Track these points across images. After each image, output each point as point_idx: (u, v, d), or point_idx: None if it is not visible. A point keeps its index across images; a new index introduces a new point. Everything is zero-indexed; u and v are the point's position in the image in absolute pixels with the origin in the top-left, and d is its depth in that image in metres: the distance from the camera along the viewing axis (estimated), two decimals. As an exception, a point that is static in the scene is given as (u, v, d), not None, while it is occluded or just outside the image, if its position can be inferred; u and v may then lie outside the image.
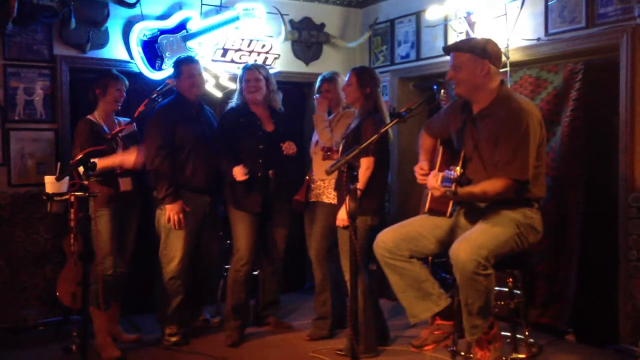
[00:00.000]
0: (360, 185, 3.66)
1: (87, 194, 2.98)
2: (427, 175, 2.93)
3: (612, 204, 3.84)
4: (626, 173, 3.73)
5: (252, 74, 4.19)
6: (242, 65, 4.89)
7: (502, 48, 4.09)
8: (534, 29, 4.16)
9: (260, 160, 4.09)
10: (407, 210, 5.03)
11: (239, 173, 3.98)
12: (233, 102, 4.28)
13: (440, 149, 3.07)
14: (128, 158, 3.91)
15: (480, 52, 2.91)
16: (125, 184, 3.95)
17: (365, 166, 3.68)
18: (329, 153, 3.96)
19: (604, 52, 3.91)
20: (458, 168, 2.61)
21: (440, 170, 2.94)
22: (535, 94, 4.25)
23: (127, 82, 4.09)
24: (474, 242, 2.76)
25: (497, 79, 2.96)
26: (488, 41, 2.98)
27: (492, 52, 2.94)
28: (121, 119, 4.09)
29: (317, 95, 4.22)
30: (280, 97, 4.35)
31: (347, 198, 2.78)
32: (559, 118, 4.14)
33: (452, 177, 2.59)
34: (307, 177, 4.24)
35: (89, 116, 3.98)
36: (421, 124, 3.65)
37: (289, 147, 4.14)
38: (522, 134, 2.80)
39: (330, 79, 4.23)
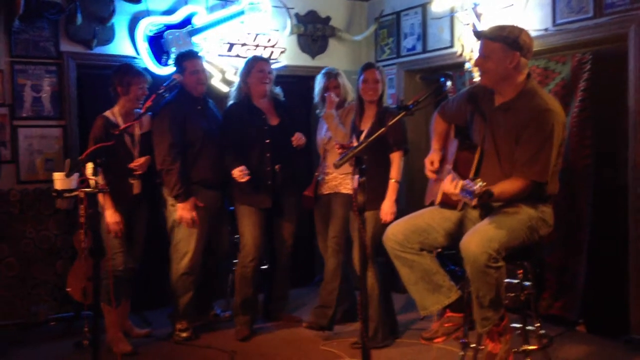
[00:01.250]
0: (397, 177, 3.79)
1: (97, 190, 2.98)
2: (436, 170, 2.91)
3: (621, 194, 3.82)
4: (636, 163, 3.72)
5: (266, 64, 4.18)
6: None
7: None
8: (541, 20, 4.14)
9: (268, 154, 4.09)
10: (414, 202, 5.02)
11: (239, 176, 3.96)
12: (233, 95, 4.23)
13: (457, 143, 3.01)
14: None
15: (512, 43, 2.80)
16: (137, 187, 3.95)
17: (398, 159, 3.80)
18: (345, 150, 3.92)
19: (612, 42, 3.89)
20: (479, 181, 2.50)
21: (455, 168, 2.90)
22: (544, 85, 4.22)
23: (150, 78, 4.01)
24: (485, 234, 2.74)
25: (525, 72, 2.87)
26: (522, 31, 2.85)
27: (524, 43, 2.83)
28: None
29: (328, 93, 4.14)
30: (278, 91, 4.33)
31: (356, 191, 2.77)
32: (568, 109, 4.11)
33: (474, 191, 2.50)
34: (316, 173, 4.23)
35: (106, 112, 3.91)
36: (428, 117, 3.65)
37: (299, 139, 4.13)
38: (547, 136, 2.73)
39: (338, 74, 4.22)
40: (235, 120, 4.13)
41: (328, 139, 4.18)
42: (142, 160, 3.89)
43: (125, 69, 3.97)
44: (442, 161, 3.13)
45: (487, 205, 2.92)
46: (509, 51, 2.80)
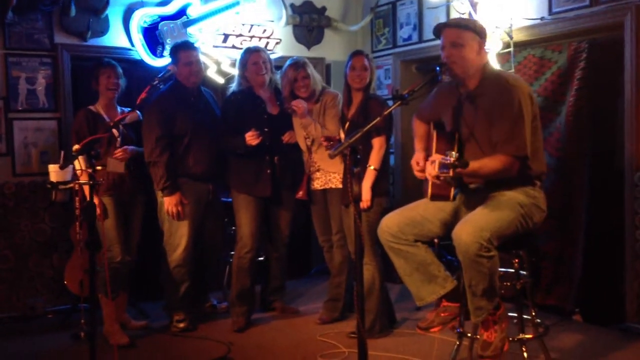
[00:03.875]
0: (376, 165, 3.72)
1: (91, 182, 2.98)
2: (423, 170, 2.92)
3: (617, 183, 3.82)
4: (632, 152, 3.72)
5: (259, 56, 4.11)
6: (244, 50, 4.88)
7: (506, 28, 4.10)
8: (537, 8, 4.13)
9: (267, 143, 4.08)
10: (409, 192, 5.03)
11: (252, 137, 3.91)
12: (233, 86, 4.21)
13: (434, 134, 3.03)
14: None
15: (479, 30, 2.94)
16: (113, 165, 3.86)
17: (379, 145, 3.73)
18: (332, 142, 3.88)
19: (608, 30, 3.88)
20: (454, 152, 2.58)
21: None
22: (540, 74, 4.22)
23: (118, 69, 4.00)
24: (477, 224, 2.75)
25: (485, 58, 2.98)
26: (475, 20, 3.00)
27: (482, 30, 2.97)
28: (125, 109, 4.05)
29: (291, 104, 3.95)
30: (278, 78, 4.27)
31: (351, 182, 2.77)
32: (564, 98, 4.11)
33: (448, 162, 2.57)
34: (307, 171, 4.14)
35: (90, 106, 3.98)
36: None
37: (291, 137, 4.12)
38: (516, 111, 2.79)
39: (305, 64, 4.02)
40: (235, 108, 4.10)
41: (311, 139, 4.05)
42: (120, 151, 3.88)
43: (94, 65, 4.02)
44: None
45: (480, 194, 2.93)
46: (476, 38, 2.91)
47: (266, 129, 4.05)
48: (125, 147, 3.94)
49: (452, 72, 2.94)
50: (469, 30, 2.91)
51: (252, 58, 4.09)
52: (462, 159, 2.59)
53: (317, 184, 4.10)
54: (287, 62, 4.08)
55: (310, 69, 4.05)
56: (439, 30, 2.99)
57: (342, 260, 4.14)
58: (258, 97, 4.14)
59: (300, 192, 4.12)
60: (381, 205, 3.76)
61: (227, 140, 4.05)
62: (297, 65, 4.01)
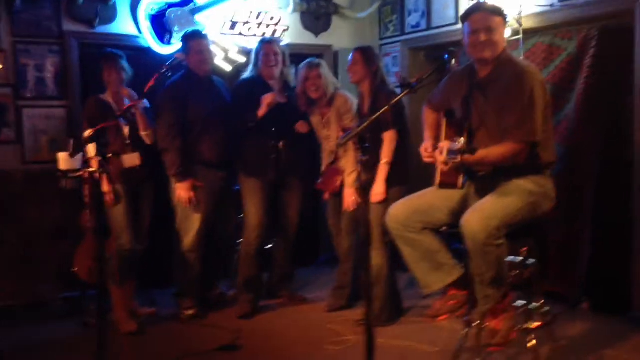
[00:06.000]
0: (388, 158, 3.74)
1: (101, 170, 2.98)
2: (432, 156, 2.93)
3: (627, 171, 3.80)
4: (641, 140, 3.69)
5: (271, 47, 4.14)
6: (251, 37, 4.88)
7: (515, 15, 4.06)
8: (547, -5, 4.10)
9: (273, 129, 4.08)
10: (418, 180, 5.02)
11: (269, 96, 3.96)
12: (247, 74, 4.22)
13: (444, 122, 3.03)
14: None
15: (504, 14, 2.97)
16: (130, 160, 3.91)
17: (389, 139, 3.73)
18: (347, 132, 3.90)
19: (618, 17, 3.84)
20: (462, 139, 2.60)
21: None
22: (549, 61, 4.19)
23: (119, 62, 3.96)
24: (485, 212, 2.75)
25: (505, 43, 2.99)
26: (499, 5, 3.03)
27: (506, 15, 2.98)
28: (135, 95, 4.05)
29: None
30: (293, 72, 4.32)
31: (360, 170, 2.77)
32: (574, 85, 4.08)
33: (456, 148, 2.57)
34: (335, 166, 4.13)
35: (100, 95, 3.99)
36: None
37: (302, 126, 4.15)
38: (529, 97, 2.79)
39: (320, 65, 4.09)
40: (245, 92, 4.12)
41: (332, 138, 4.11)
42: (135, 102, 3.86)
43: (101, 57, 4.00)
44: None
45: (489, 182, 2.92)
46: (504, 23, 2.96)
47: (275, 115, 4.07)
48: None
49: (481, 57, 2.93)
50: (498, 16, 2.93)
51: (264, 49, 4.13)
52: (470, 144, 2.59)
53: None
54: (304, 61, 4.16)
55: (324, 70, 4.10)
56: (468, 14, 2.98)
57: (349, 247, 4.14)
58: (267, 84, 4.15)
59: (331, 187, 4.11)
60: (399, 194, 3.74)
61: (239, 114, 4.06)
62: (312, 65, 4.09)
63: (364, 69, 3.84)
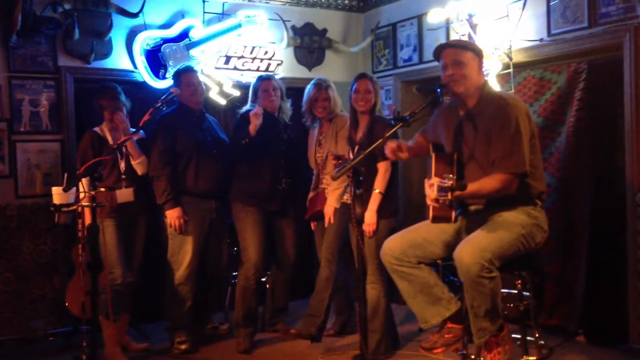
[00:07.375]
0: (381, 188, 3.74)
1: (94, 204, 2.99)
2: (399, 150, 3.05)
3: (619, 203, 3.82)
4: (632, 172, 3.72)
5: (270, 83, 4.21)
6: (245, 71, 4.93)
7: (505, 49, 4.13)
8: (536, 30, 4.16)
9: (282, 161, 4.16)
10: (410, 213, 5.03)
11: (255, 110, 3.94)
12: (247, 107, 4.22)
13: (433, 156, 3.04)
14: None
15: (476, 50, 3.03)
16: (123, 196, 3.93)
17: (384, 169, 3.75)
18: (340, 162, 3.89)
19: (607, 51, 3.90)
20: (451, 175, 2.61)
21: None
22: (540, 95, 4.24)
23: (116, 96, 4.00)
24: (478, 245, 2.76)
25: (483, 78, 3.05)
26: (472, 41, 3.15)
27: (480, 51, 3.06)
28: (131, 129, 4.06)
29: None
30: (289, 105, 4.37)
31: (353, 203, 2.78)
32: (564, 118, 4.13)
33: (446, 185, 2.58)
34: (321, 186, 4.17)
35: (95, 128, 4.03)
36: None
37: (256, 114, 4.04)
38: (514, 128, 2.83)
39: (329, 87, 4.15)
40: (245, 122, 4.03)
41: (323, 157, 4.15)
42: (130, 135, 3.87)
43: (100, 91, 4.04)
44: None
45: (481, 215, 2.93)
46: (476, 58, 3.00)
47: (283, 147, 4.18)
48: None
49: (454, 91, 2.98)
50: (468, 50, 3.00)
51: (262, 86, 4.20)
52: (460, 181, 2.61)
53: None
54: (313, 81, 4.21)
55: (332, 93, 4.15)
56: (439, 52, 3.03)
57: (327, 277, 4.02)
58: (274, 116, 4.21)
59: (318, 207, 4.12)
60: (389, 227, 3.75)
61: (235, 133, 4.10)
62: (321, 86, 4.14)
63: (375, 97, 3.88)
